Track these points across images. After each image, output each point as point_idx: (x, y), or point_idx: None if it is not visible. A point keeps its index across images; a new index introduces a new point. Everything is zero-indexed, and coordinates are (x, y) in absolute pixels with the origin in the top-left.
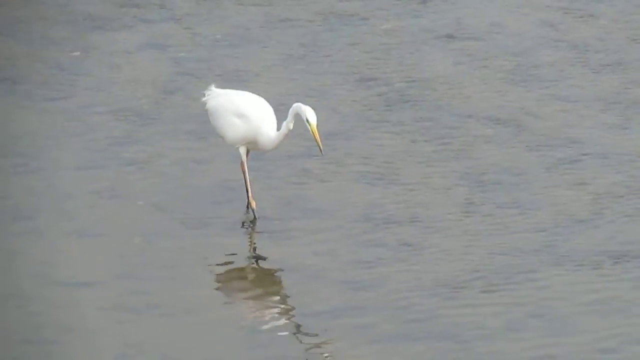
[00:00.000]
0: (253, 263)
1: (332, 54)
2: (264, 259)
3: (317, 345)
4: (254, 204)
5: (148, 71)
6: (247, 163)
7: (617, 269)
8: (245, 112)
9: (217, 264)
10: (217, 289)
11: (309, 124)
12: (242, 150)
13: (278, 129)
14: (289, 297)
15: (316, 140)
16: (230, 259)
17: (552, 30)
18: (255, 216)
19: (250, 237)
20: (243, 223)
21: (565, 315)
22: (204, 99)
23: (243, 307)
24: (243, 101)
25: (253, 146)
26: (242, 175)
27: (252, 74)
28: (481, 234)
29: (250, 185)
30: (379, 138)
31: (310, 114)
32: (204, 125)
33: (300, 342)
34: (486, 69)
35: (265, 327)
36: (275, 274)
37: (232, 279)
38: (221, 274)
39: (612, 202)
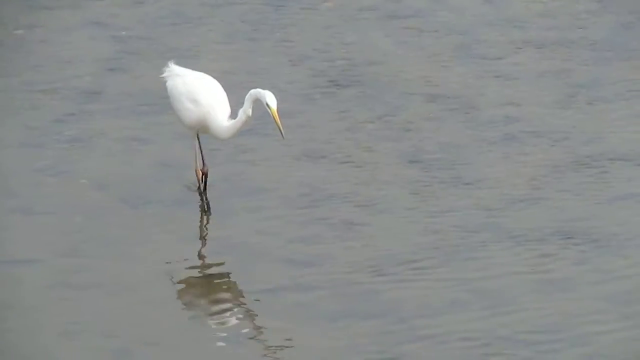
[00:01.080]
0: (198, 239)
1: (274, 32)
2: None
3: (261, 322)
4: (199, 175)
5: (90, 49)
6: (199, 142)
7: (558, 246)
8: (197, 97)
9: (160, 243)
10: (160, 267)
11: (270, 109)
12: (194, 137)
13: (233, 116)
14: (232, 275)
15: (277, 124)
16: (172, 237)
17: (493, 8)
18: (199, 186)
19: (191, 215)
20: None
21: (507, 293)
22: (163, 75)
23: (186, 285)
24: (196, 85)
25: (206, 131)
26: (198, 179)
27: (195, 52)
28: (423, 211)
29: (197, 157)
30: (321, 117)
31: (270, 99)
32: (146, 103)
33: (244, 320)
34: (428, 47)
35: (208, 305)
36: (218, 252)
37: (175, 257)
38: (164, 253)
39: (553, 179)
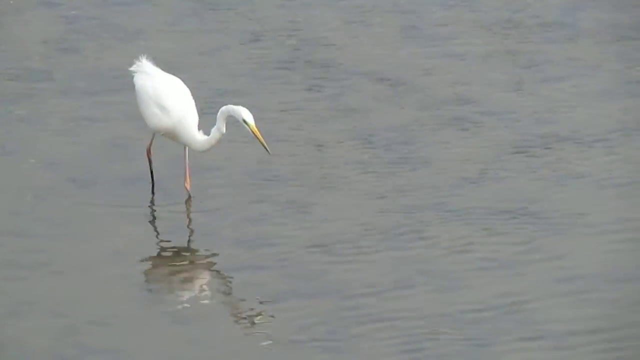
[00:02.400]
0: (147, 219)
1: (223, 12)
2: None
3: (210, 302)
4: (150, 155)
5: (40, 29)
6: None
7: (506, 227)
8: (166, 105)
9: (109, 222)
10: (108, 246)
11: (248, 125)
12: (153, 135)
13: (206, 131)
14: (180, 254)
15: (260, 141)
16: (121, 217)
17: None
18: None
19: (141, 195)
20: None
21: (453, 272)
22: (131, 68)
23: (135, 265)
24: (166, 92)
25: (173, 137)
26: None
27: (144, 32)
28: (371, 191)
29: (189, 168)
30: (270, 96)
31: (246, 115)
32: (96, 83)
33: (193, 299)
34: (377, 27)
35: (157, 285)
36: (167, 232)
37: (123, 237)
38: (113, 232)
39: (501, 159)
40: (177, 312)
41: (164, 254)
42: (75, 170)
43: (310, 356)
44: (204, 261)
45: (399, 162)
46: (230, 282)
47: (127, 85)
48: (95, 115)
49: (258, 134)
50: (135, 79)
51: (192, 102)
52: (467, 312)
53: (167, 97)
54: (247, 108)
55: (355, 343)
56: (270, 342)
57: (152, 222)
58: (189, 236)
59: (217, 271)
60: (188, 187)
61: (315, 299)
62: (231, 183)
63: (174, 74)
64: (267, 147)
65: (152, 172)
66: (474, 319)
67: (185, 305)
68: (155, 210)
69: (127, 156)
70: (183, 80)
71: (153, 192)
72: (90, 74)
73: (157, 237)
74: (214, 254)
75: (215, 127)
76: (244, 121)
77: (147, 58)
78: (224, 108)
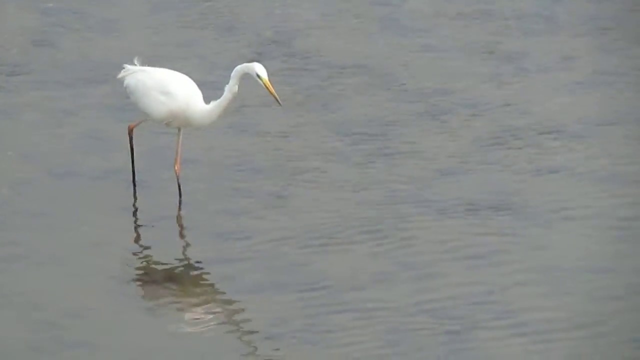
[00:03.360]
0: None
1: (200, 4)
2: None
3: (188, 294)
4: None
5: (17, 21)
6: (181, 138)
7: (484, 218)
8: (170, 90)
9: (87, 215)
10: (86, 239)
11: (261, 79)
12: (158, 124)
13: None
14: (159, 246)
15: (272, 93)
16: (99, 209)
17: None
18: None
19: (119, 187)
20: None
21: (433, 265)
22: (120, 75)
23: (113, 258)
24: (166, 78)
25: (182, 123)
26: (177, 175)
27: (123, 24)
28: (349, 183)
29: (180, 150)
30: (248, 88)
31: (260, 70)
32: (73, 76)
33: (170, 292)
34: (355, 18)
35: (135, 276)
36: (145, 225)
37: (101, 229)
38: (91, 224)
39: (481, 151)
40: (155, 305)
41: (142, 246)
42: (53, 163)
43: (288, 348)
44: (182, 253)
45: (377, 154)
46: (207, 274)
47: (104, 77)
48: (73, 108)
49: (270, 87)
50: (126, 81)
51: (193, 83)
52: (445, 304)
53: (169, 82)
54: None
55: (333, 335)
56: (248, 334)
57: (130, 214)
58: (167, 228)
59: (195, 263)
60: (177, 171)
61: (293, 292)
62: (208, 175)
63: (151, 66)
64: (278, 99)
65: (132, 150)
66: (452, 310)
67: (163, 298)
68: (133, 203)
69: (105, 148)
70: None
71: (134, 173)
72: (68, 66)
73: (135, 229)
74: (192, 246)
75: (227, 86)
76: (257, 75)
77: (131, 64)
78: (238, 67)
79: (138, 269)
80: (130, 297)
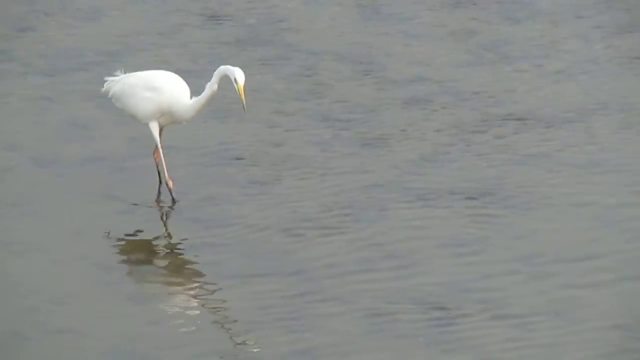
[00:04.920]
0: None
1: None
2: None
3: (170, 281)
4: (170, 184)
5: None
6: (161, 145)
7: (466, 206)
8: (156, 85)
9: (69, 202)
10: (68, 226)
11: (237, 84)
12: (154, 128)
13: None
14: (141, 234)
15: (241, 100)
16: (82, 197)
17: None
18: (173, 198)
19: (100, 175)
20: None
21: (415, 253)
22: (104, 87)
23: (95, 245)
24: (152, 74)
25: (168, 119)
26: (157, 162)
27: (105, 12)
28: (333, 171)
29: (165, 167)
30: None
31: (239, 75)
32: (55, 63)
33: (153, 279)
34: (337, 6)
35: (118, 263)
36: (127, 211)
37: (84, 216)
38: (73, 212)
39: (462, 139)
40: (137, 293)
41: (124, 234)
42: (35, 150)
43: (271, 336)
44: (164, 241)
45: (359, 141)
46: (190, 262)
47: (87, 64)
48: (54, 95)
49: (242, 94)
50: (111, 92)
51: (179, 78)
52: (427, 291)
53: (154, 77)
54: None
55: (316, 323)
56: (230, 321)
57: (112, 202)
58: (149, 216)
59: (177, 250)
60: (157, 158)
61: (275, 278)
62: (191, 163)
63: (133, 54)
64: (245, 106)
65: (163, 168)
66: (434, 297)
67: (145, 285)
68: (115, 190)
69: (86, 136)
70: (143, 61)
71: (168, 192)
72: (50, 54)
73: (117, 217)
74: (174, 233)
75: (208, 84)
76: (235, 80)
77: (113, 75)
78: (221, 67)
79: (121, 255)
80: (113, 284)
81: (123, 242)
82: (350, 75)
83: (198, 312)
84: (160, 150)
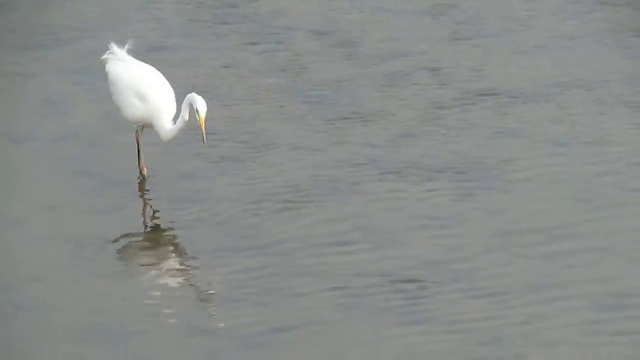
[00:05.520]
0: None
1: None
2: None
3: (145, 258)
4: (145, 171)
5: None
6: (139, 142)
7: (442, 182)
8: (145, 94)
9: (44, 178)
10: (43, 202)
11: (198, 115)
12: (135, 130)
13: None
14: (115, 211)
15: (202, 131)
16: (56, 173)
17: None
18: (144, 178)
19: (75, 151)
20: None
21: (392, 228)
22: (104, 56)
23: (69, 222)
24: (144, 80)
25: (149, 126)
26: (136, 144)
27: None
28: (307, 147)
29: (142, 154)
30: (205, 52)
31: (200, 105)
32: (30, 39)
33: (127, 257)
34: None
35: (92, 242)
36: (100, 189)
37: (58, 193)
38: (47, 188)
39: (439, 115)
40: (111, 269)
41: (98, 210)
42: (9, 126)
43: (245, 311)
44: (138, 217)
45: (334, 117)
46: (163, 238)
47: (62, 41)
48: (30, 71)
49: (203, 125)
50: (108, 67)
51: (171, 93)
52: (402, 267)
53: (146, 85)
54: (179, 63)
55: (290, 299)
56: (206, 297)
57: (87, 178)
58: (123, 192)
59: (152, 227)
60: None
61: (250, 255)
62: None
63: (110, 31)
64: (204, 138)
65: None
66: (410, 272)
67: (119, 261)
68: (89, 167)
69: (62, 112)
70: (118, 36)
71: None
72: (24, 30)
73: (91, 193)
74: (148, 210)
75: (180, 115)
76: (197, 110)
77: (119, 45)
78: (188, 96)
79: (95, 232)
80: (87, 260)
81: (97, 219)
82: (324, 51)
83: (171, 287)
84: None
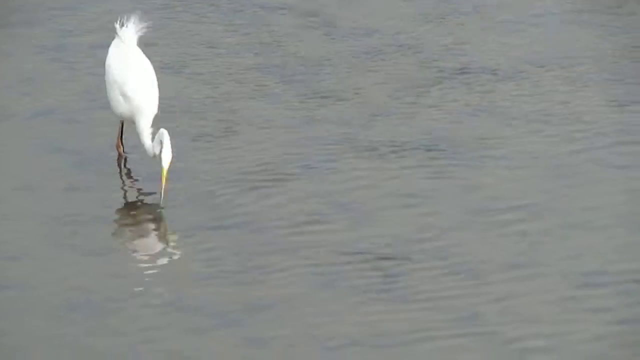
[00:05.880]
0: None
1: None
2: None
3: (122, 235)
4: (121, 149)
5: None
6: (121, 138)
7: (417, 160)
8: (127, 92)
9: (20, 155)
10: (19, 180)
11: (161, 164)
12: (119, 123)
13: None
14: (90, 188)
15: (160, 188)
16: (32, 150)
17: None
18: (121, 156)
19: (51, 129)
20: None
21: (366, 206)
22: (118, 32)
23: (46, 199)
24: (129, 78)
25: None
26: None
27: None
28: (282, 124)
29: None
30: (181, 30)
31: (165, 154)
32: (5, 16)
33: (104, 232)
34: None
35: (70, 218)
36: (76, 166)
37: (35, 169)
38: (23, 166)
39: (414, 92)
40: (89, 247)
41: (74, 188)
42: None
43: (220, 289)
44: (114, 195)
45: (309, 94)
46: (140, 215)
47: (37, 18)
48: (5, 49)
49: (163, 180)
50: (110, 48)
51: (155, 92)
52: (379, 244)
53: (130, 83)
54: (154, 41)
55: (265, 276)
56: (183, 274)
57: (63, 155)
58: (100, 170)
59: (129, 204)
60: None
61: (224, 232)
62: None
63: (85, 9)
64: (162, 197)
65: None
66: (386, 250)
67: (98, 238)
68: (67, 144)
69: (38, 89)
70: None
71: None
72: (0, 7)
73: (67, 171)
74: (125, 188)
75: (152, 143)
76: (160, 157)
77: (129, 23)
78: (162, 131)
79: (72, 210)
80: (66, 238)
81: (73, 197)
82: (300, 29)
83: (148, 265)
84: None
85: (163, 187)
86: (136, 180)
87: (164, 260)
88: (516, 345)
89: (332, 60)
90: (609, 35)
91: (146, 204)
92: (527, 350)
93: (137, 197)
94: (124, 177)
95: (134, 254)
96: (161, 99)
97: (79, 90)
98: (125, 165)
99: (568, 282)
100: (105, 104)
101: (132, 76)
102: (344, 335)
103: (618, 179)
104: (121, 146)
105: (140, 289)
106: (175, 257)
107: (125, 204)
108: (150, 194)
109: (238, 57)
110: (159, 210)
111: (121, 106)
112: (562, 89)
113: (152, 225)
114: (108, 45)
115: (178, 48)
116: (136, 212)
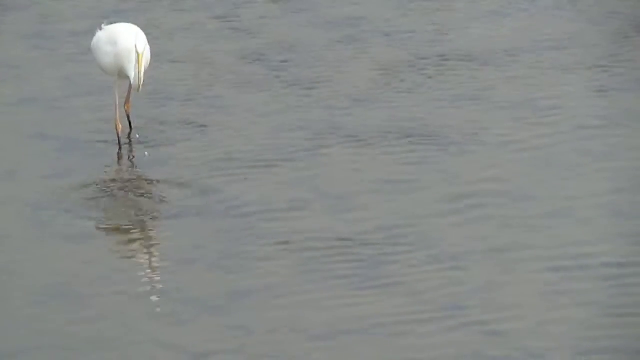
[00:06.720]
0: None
1: None
2: None
3: (105, 221)
4: (119, 129)
5: None
6: (119, 99)
7: (400, 147)
8: (116, 39)
9: (2, 142)
10: (1, 166)
11: (136, 52)
12: (115, 84)
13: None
14: (73, 174)
15: (137, 72)
16: (14, 136)
17: None
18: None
19: (35, 115)
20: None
21: (348, 193)
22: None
23: (29, 184)
24: (118, 29)
25: (125, 76)
26: (127, 113)
27: None
28: (264, 112)
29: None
30: (162, 17)
31: (140, 42)
32: None
33: (87, 218)
34: None
35: (52, 204)
36: (60, 151)
37: (17, 156)
38: (6, 151)
39: (395, 79)
40: (71, 232)
41: (56, 174)
42: None
43: (203, 275)
44: (97, 181)
45: (291, 82)
46: (123, 201)
47: (17, 5)
48: None
49: (140, 65)
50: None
51: (143, 36)
52: (361, 231)
53: (119, 32)
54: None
55: (249, 263)
56: (165, 259)
57: (46, 142)
58: (82, 156)
59: (111, 191)
60: (128, 109)
61: (209, 218)
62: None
63: None
64: (140, 84)
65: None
66: (368, 237)
67: (79, 225)
68: (49, 130)
69: (20, 76)
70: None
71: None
72: None
73: (50, 156)
74: (107, 173)
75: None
76: (135, 46)
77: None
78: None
79: (54, 195)
80: (47, 224)
81: (56, 183)
82: (281, 15)
83: (131, 250)
84: (117, 103)
85: (141, 73)
86: (118, 166)
87: (147, 246)
88: (497, 332)
89: (315, 46)
90: (591, 21)
91: (129, 190)
92: (508, 336)
93: (119, 184)
94: (106, 164)
95: (116, 240)
96: (143, 86)
97: (61, 76)
98: (104, 153)
99: (550, 270)
100: (88, 91)
101: (121, 27)
102: (327, 323)
103: (601, 167)
104: (120, 125)
105: (123, 274)
106: (159, 243)
107: (107, 190)
108: (132, 180)
109: (221, 43)
110: (141, 191)
111: (109, 56)
112: (544, 76)
113: (135, 211)
114: (90, 33)
115: (159, 34)
116: (118, 198)
